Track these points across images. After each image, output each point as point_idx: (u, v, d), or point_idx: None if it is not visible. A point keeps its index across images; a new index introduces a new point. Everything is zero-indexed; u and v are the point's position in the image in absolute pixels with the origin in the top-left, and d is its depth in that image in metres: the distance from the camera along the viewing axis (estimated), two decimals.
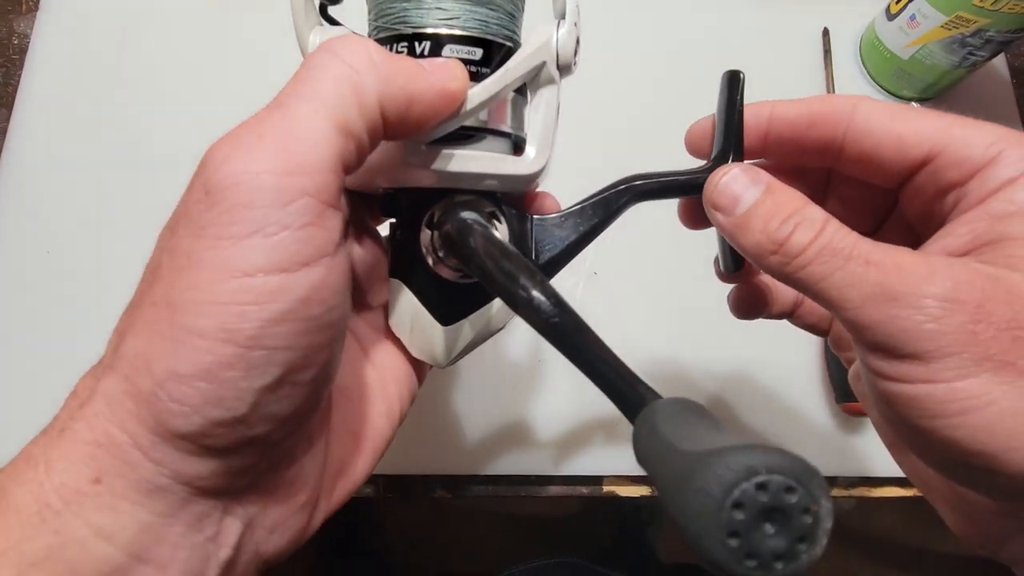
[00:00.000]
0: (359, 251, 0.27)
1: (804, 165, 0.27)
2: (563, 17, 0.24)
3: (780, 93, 0.52)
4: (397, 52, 0.22)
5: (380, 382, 0.26)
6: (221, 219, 0.16)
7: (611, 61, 0.52)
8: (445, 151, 0.23)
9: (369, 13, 0.24)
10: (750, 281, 0.30)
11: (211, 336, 0.16)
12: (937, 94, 0.52)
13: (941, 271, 0.19)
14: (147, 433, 0.17)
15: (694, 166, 0.26)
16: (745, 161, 0.26)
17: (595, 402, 0.44)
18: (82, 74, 0.48)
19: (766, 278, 0.30)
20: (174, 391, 0.16)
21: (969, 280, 0.18)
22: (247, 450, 0.18)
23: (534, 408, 0.43)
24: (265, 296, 0.16)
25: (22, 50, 0.49)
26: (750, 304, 0.30)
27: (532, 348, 0.44)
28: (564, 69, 0.24)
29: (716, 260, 0.30)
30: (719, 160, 0.26)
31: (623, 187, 0.26)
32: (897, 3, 0.48)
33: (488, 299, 0.26)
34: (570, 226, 0.26)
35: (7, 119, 0.47)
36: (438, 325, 0.25)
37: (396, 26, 0.23)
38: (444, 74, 0.21)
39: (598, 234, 0.26)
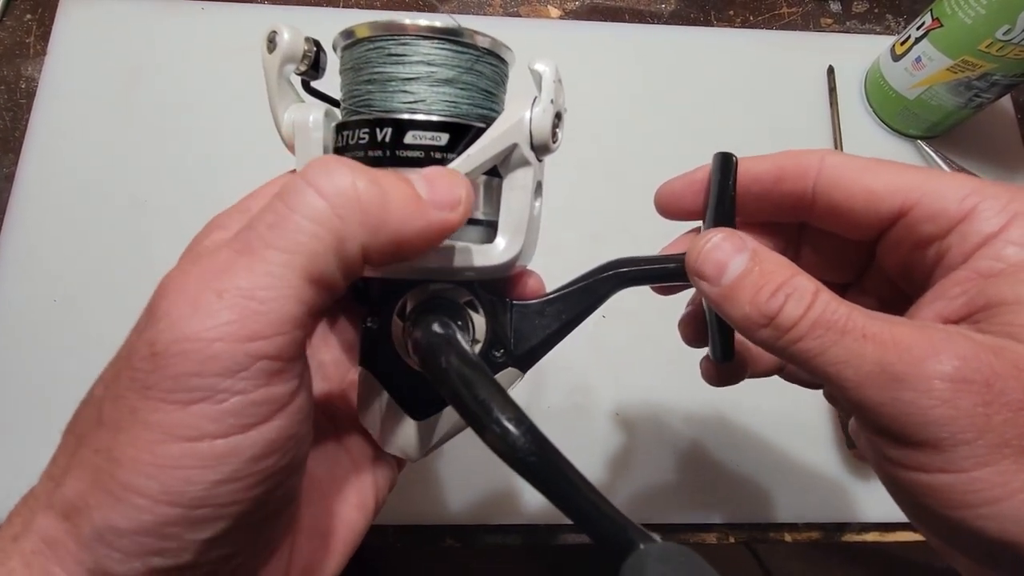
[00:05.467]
0: (334, 338, 0.26)
1: (776, 220, 0.26)
2: (539, 92, 0.22)
3: (786, 130, 0.52)
4: (359, 139, 0.21)
5: (354, 470, 0.25)
6: (166, 384, 0.15)
7: (613, 110, 0.52)
8: None
9: (341, 90, 0.23)
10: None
11: (152, 497, 0.15)
12: (942, 132, 0.52)
13: (944, 347, 0.18)
14: (85, 573, 0.16)
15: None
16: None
17: (608, 451, 0.43)
18: (90, 119, 0.48)
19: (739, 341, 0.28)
20: (113, 542, 0.16)
21: (975, 355, 0.17)
22: None
23: None
24: (212, 460, 0.16)
25: (30, 94, 0.49)
26: (724, 373, 0.28)
27: (542, 397, 0.44)
28: (540, 149, 0.22)
29: (702, 362, 0.29)
30: None
31: (608, 274, 0.25)
32: (902, 44, 0.48)
33: None
34: (552, 314, 0.24)
35: (14, 164, 0.47)
36: (410, 419, 0.24)
37: (360, 109, 0.22)
38: (444, 202, 0.19)
39: (581, 322, 0.25)
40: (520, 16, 0.55)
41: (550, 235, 0.50)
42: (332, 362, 0.26)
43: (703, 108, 0.53)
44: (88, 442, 0.17)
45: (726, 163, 0.25)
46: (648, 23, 0.56)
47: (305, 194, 0.17)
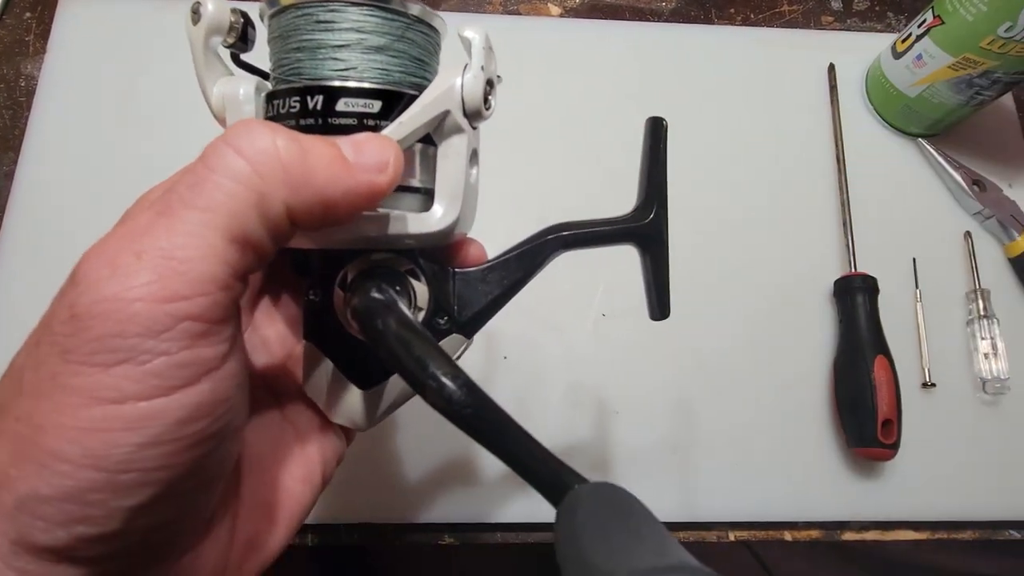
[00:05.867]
0: (278, 313, 0.26)
1: None
2: (469, 58, 0.22)
3: (786, 128, 0.52)
4: (290, 107, 0.21)
5: (299, 443, 0.24)
6: (87, 346, 0.15)
7: (613, 108, 0.52)
8: None
9: (270, 60, 0.23)
10: None
11: (75, 461, 0.15)
12: (944, 130, 0.52)
13: None
14: (9, 544, 0.16)
15: (619, 215, 0.26)
16: None
17: (608, 449, 0.43)
18: (89, 116, 0.48)
19: None
20: (36, 510, 0.15)
21: None
22: (123, 556, 0.17)
23: None
24: (136, 422, 0.15)
25: (29, 92, 0.49)
26: None
27: (542, 394, 0.44)
28: (473, 116, 0.22)
29: None
30: (641, 211, 0.26)
31: (549, 238, 0.25)
32: (903, 42, 0.48)
33: None
34: (494, 280, 0.25)
35: (14, 162, 0.47)
36: (356, 389, 0.24)
37: (290, 78, 0.21)
38: (372, 164, 0.18)
39: (523, 286, 0.25)
40: (520, 14, 0.55)
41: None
42: (276, 338, 0.26)
43: (703, 106, 0.52)
44: (9, 412, 0.16)
45: (657, 127, 0.26)
46: (649, 21, 0.56)
47: (224, 154, 0.17)
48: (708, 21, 0.57)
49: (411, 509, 0.41)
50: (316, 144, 0.18)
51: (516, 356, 0.45)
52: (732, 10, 0.57)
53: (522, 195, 0.48)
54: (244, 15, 0.22)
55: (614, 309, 0.46)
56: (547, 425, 0.44)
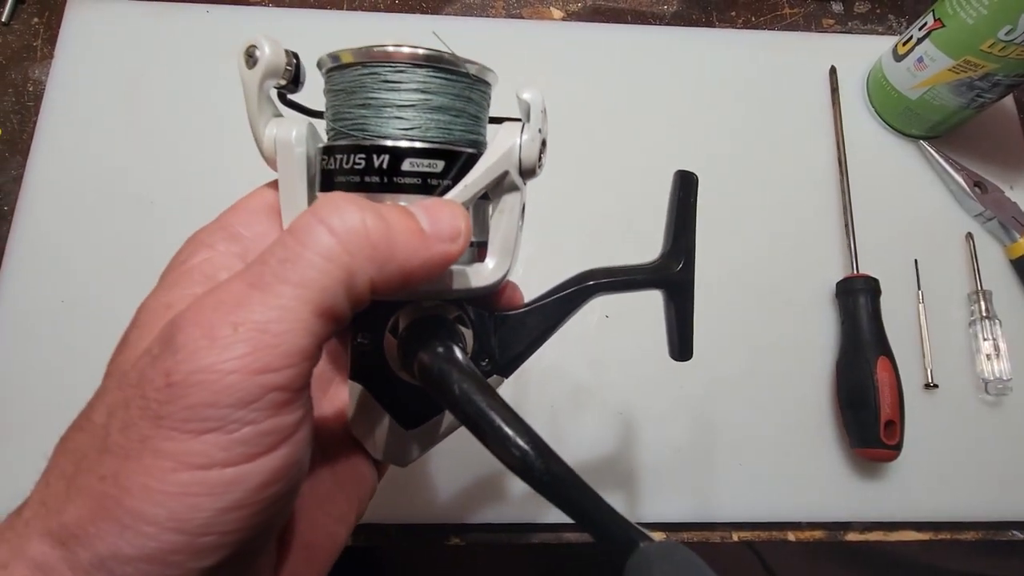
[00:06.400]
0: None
1: None
2: (527, 120, 0.22)
3: (788, 131, 0.53)
4: (355, 164, 0.21)
5: (338, 485, 0.25)
6: (181, 414, 0.16)
7: (615, 111, 0.52)
8: None
9: (326, 111, 0.23)
10: None
11: (159, 524, 0.16)
12: (945, 132, 0.52)
13: None
14: None
15: (646, 261, 0.27)
16: None
17: (611, 450, 0.44)
18: (96, 121, 0.48)
19: None
20: (115, 569, 0.16)
21: None
22: None
23: None
24: (220, 487, 0.16)
25: (37, 97, 0.49)
26: None
27: (545, 396, 0.44)
28: (528, 174, 0.23)
29: None
30: (670, 257, 0.27)
31: (584, 286, 0.26)
32: (904, 45, 0.49)
33: None
34: (533, 324, 0.26)
35: (22, 166, 0.47)
36: (402, 429, 0.25)
37: (353, 132, 0.22)
38: (446, 234, 0.19)
39: (558, 329, 0.26)
40: (523, 18, 0.56)
41: (553, 235, 0.49)
42: (315, 375, 0.27)
43: (705, 109, 0.53)
44: (91, 469, 0.17)
45: (687, 181, 0.27)
46: (650, 24, 0.56)
47: (316, 231, 0.17)
48: (709, 24, 0.57)
49: (416, 510, 0.42)
50: (398, 218, 0.19)
51: None
52: (733, 13, 0.57)
53: None
54: (296, 56, 0.23)
55: (617, 311, 0.46)
56: (550, 427, 0.44)
